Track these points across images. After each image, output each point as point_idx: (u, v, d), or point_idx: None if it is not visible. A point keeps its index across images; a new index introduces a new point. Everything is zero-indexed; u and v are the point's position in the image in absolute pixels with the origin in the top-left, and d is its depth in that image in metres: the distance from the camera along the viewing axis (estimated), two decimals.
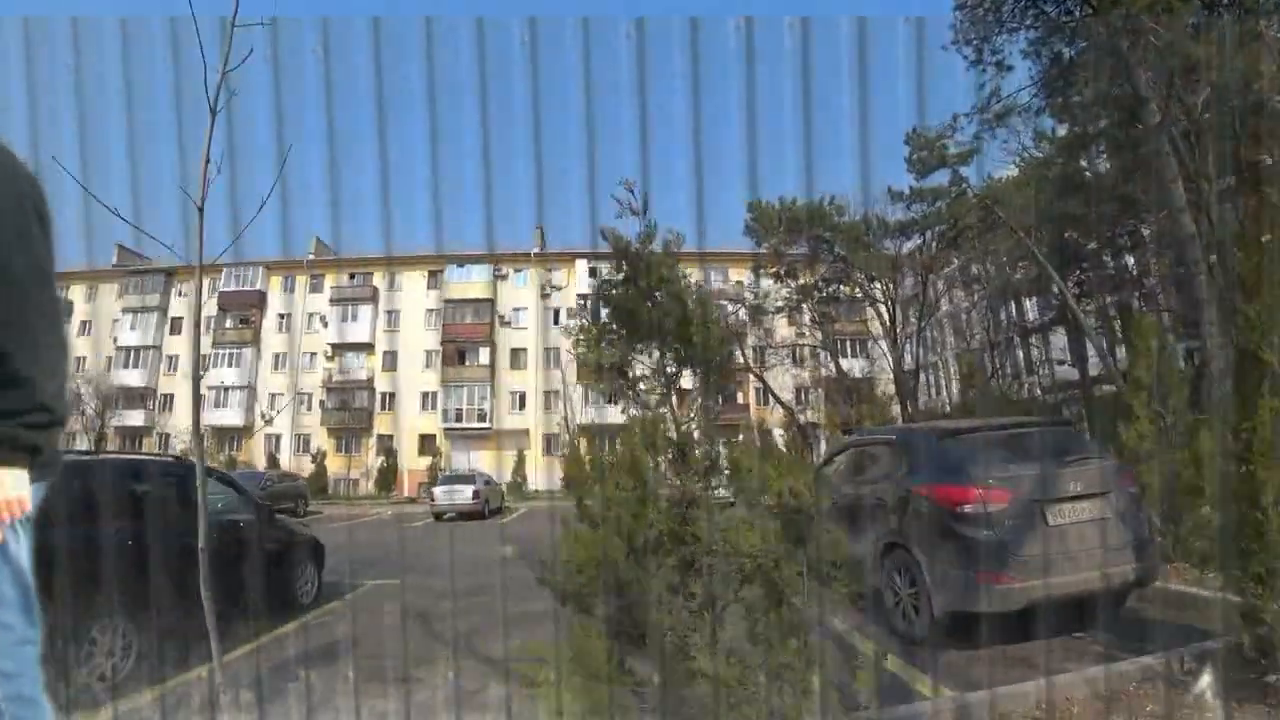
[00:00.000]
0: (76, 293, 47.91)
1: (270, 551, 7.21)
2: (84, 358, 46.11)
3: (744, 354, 34.87)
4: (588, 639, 2.35)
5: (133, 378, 44.62)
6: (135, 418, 44.14)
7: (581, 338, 10.61)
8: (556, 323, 41.68)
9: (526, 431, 39.55)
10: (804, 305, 30.29)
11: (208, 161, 2.85)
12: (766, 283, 36.00)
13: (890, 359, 31.76)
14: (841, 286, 29.56)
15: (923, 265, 29.33)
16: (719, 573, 2.48)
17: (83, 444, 43.02)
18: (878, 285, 29.71)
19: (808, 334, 37.05)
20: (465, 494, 19.64)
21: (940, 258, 29.08)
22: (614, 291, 7.53)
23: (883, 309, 30.20)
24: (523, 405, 40.42)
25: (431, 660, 5.31)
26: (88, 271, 47.30)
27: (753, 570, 2.48)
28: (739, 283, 41.94)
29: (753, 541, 2.49)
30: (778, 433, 34.69)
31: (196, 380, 3.45)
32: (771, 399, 39.70)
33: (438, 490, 20.83)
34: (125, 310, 46.41)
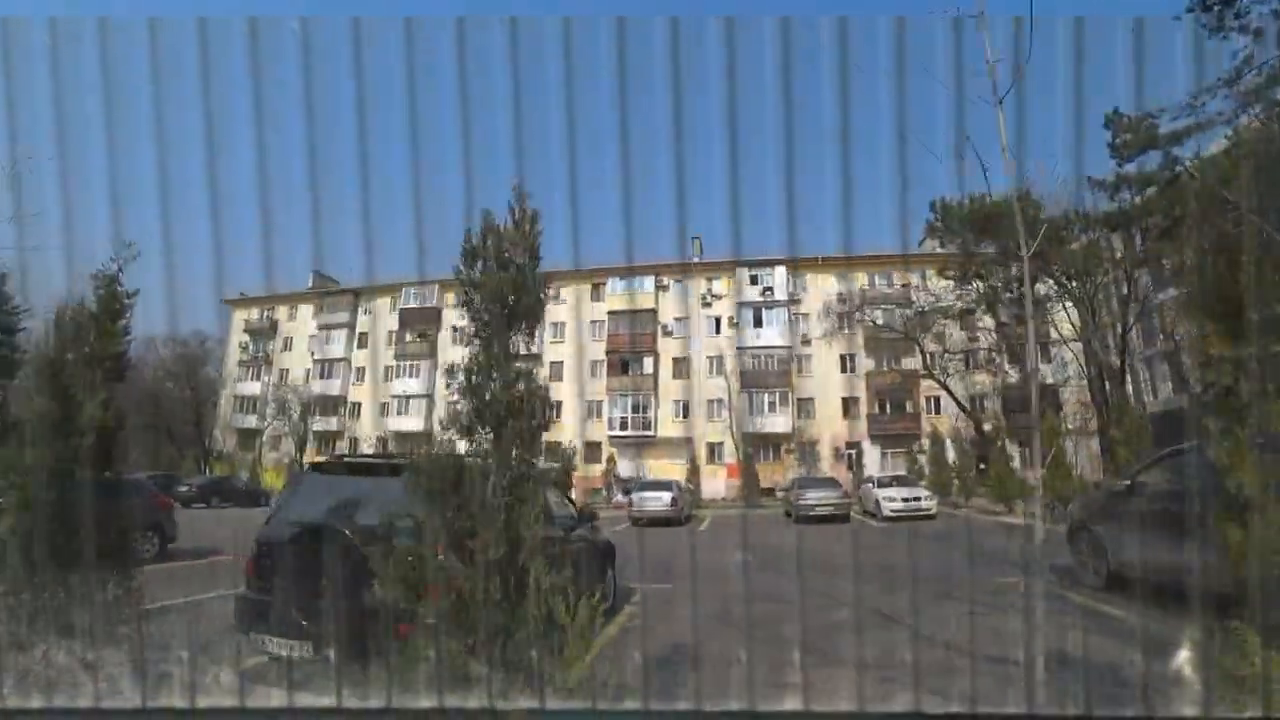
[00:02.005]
0: (281, 312, 53.55)
1: (594, 552, 7.41)
2: (287, 370, 51.53)
3: (925, 359, 33.36)
4: None
5: (327, 387, 49.12)
6: (330, 423, 48.53)
7: None
8: (718, 331, 41.78)
9: (689, 439, 39.79)
10: (995, 306, 28.46)
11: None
12: (936, 285, 34.35)
13: (1083, 362, 29.32)
14: (1036, 285, 27.50)
15: (1131, 259, 26.86)
16: None
17: (288, 446, 48.11)
18: (1074, 282, 27.46)
19: (983, 338, 34.93)
20: (664, 500, 19.93)
21: (1152, 250, 26.45)
22: None
23: (1072, 309, 27.84)
24: (685, 413, 40.73)
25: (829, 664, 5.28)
26: (288, 295, 53.00)
27: None
28: (905, 285, 40.33)
29: None
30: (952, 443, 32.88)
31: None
32: (943, 408, 37.84)
33: (637, 496, 21.25)
34: (320, 327, 51.19)
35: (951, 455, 30.43)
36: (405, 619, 4.01)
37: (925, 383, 36.99)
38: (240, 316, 54.61)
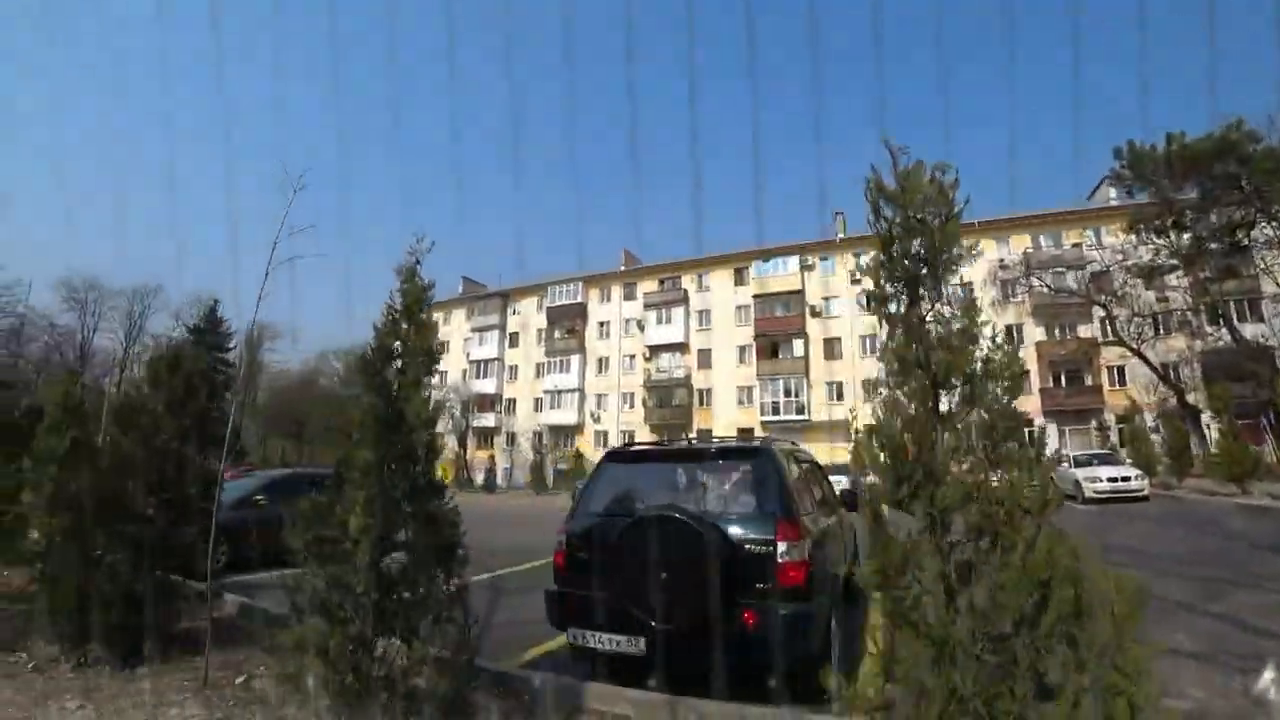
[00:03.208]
0: (436, 317, 56.82)
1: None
2: (445, 371, 54.66)
3: (1112, 327, 30.29)
4: None
5: (484, 386, 51.66)
6: (488, 419, 51.06)
7: None
8: (869, 308, 39.81)
9: (846, 422, 38.37)
10: (1197, 260, 25.26)
11: None
12: (1117, 240, 31.01)
13: None
14: (1251, 233, 24.11)
15: None
16: None
17: (450, 442, 51.06)
18: None
19: (1175, 298, 31.15)
20: (845, 483, 19.09)
21: None
22: None
23: None
24: (840, 395, 39.24)
25: None
26: (442, 300, 56.22)
27: None
28: (1076, 245, 36.79)
29: None
30: (1147, 418, 29.62)
31: None
32: (1128, 378, 34.17)
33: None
34: (473, 330, 53.90)
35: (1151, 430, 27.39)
36: (752, 608, 3.83)
37: (1105, 352, 33.68)
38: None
